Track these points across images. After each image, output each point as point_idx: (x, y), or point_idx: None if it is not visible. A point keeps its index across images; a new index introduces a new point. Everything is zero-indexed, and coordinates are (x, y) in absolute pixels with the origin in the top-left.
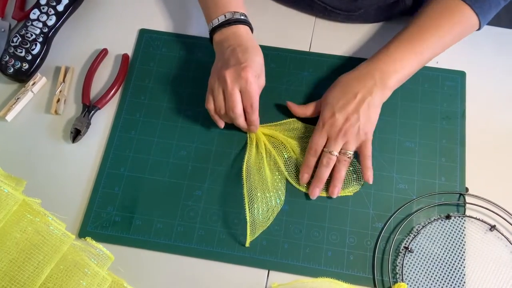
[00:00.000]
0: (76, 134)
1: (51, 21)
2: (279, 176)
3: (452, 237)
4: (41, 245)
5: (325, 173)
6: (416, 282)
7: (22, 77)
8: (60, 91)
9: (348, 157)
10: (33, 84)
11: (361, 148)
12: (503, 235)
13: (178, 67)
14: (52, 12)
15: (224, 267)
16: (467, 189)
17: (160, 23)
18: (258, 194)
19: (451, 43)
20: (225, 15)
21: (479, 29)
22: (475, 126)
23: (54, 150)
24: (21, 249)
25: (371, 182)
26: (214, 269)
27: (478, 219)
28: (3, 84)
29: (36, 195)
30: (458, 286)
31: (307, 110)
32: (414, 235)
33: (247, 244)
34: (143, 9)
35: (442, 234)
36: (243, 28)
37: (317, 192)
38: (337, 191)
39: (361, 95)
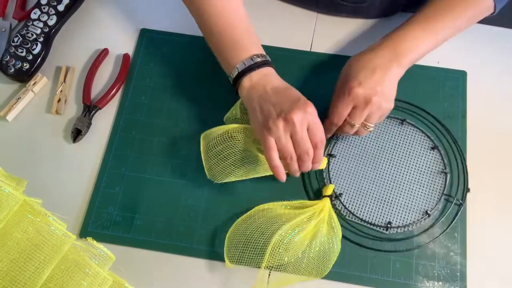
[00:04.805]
0: (77, 134)
1: (52, 20)
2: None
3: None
4: (42, 245)
5: None
6: (342, 182)
7: (23, 77)
8: (61, 91)
9: (369, 131)
10: (34, 84)
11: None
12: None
13: (179, 67)
14: (53, 12)
15: (225, 267)
16: (469, 189)
17: (161, 23)
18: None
19: (465, 26)
20: (252, 58)
21: (494, 13)
22: (476, 126)
23: (55, 150)
24: (22, 249)
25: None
26: (215, 269)
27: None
28: (4, 84)
29: (37, 195)
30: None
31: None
32: (334, 142)
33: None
34: (144, 9)
35: (358, 138)
36: (271, 69)
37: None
38: None
39: (381, 70)
